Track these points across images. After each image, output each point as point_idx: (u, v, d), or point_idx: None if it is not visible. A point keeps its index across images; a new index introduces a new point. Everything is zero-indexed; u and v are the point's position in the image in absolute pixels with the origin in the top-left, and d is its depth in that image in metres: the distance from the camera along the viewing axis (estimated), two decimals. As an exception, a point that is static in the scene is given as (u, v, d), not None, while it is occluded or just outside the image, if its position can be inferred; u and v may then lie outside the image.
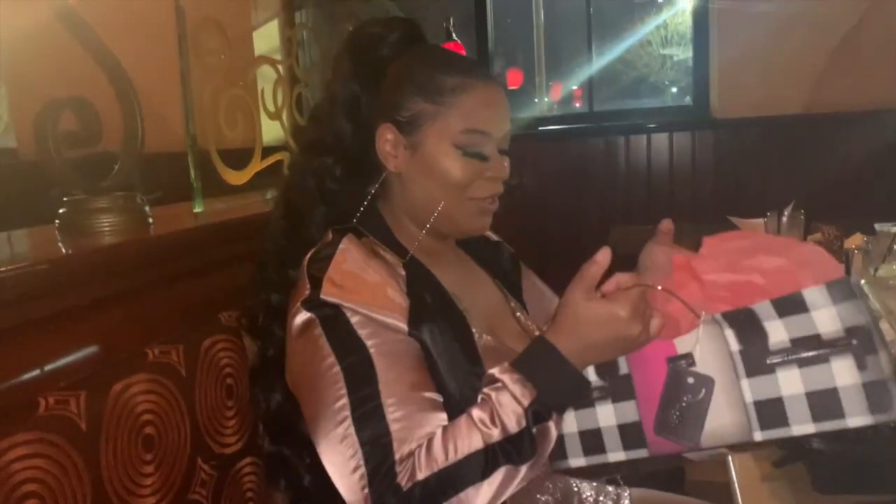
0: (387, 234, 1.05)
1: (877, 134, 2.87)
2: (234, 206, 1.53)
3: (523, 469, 0.86)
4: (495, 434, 0.85)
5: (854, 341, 0.77)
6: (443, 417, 0.90)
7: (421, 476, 0.84)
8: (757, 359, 0.82)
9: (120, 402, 0.82)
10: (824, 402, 0.79)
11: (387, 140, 1.02)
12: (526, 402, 0.85)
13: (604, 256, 0.87)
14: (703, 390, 0.84)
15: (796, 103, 3.01)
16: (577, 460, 0.94)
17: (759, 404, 0.82)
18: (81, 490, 0.75)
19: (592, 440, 0.92)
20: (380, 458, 0.85)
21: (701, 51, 3.26)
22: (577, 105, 4.04)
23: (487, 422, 0.85)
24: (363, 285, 0.94)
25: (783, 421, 0.81)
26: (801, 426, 0.81)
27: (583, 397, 0.91)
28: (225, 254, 1.19)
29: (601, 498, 1.29)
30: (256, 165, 1.62)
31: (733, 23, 3.11)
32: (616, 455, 0.91)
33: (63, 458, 0.74)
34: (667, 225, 0.92)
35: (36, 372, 0.79)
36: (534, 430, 0.85)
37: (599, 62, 3.56)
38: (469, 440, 0.85)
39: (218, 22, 1.51)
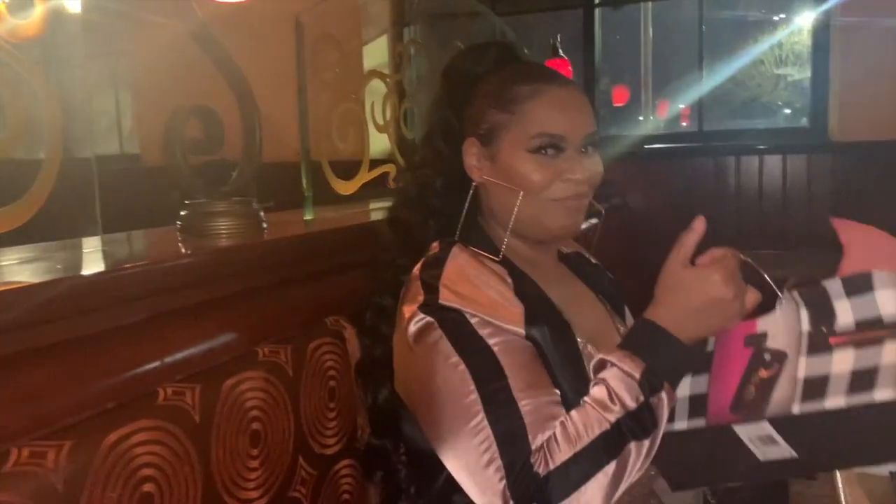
0: (489, 245, 1.06)
1: None
2: (342, 216, 1.58)
3: (646, 443, 0.87)
4: (616, 412, 0.87)
5: None
6: (563, 412, 0.91)
7: (554, 465, 0.86)
8: (822, 340, 0.84)
9: (231, 396, 0.86)
10: (862, 379, 0.80)
11: (471, 154, 1.07)
12: (637, 375, 0.87)
13: (699, 224, 0.93)
14: (777, 365, 0.86)
15: (925, 126, 2.83)
16: None
17: (808, 380, 0.84)
18: (193, 478, 0.79)
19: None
20: (516, 449, 0.87)
21: (820, 70, 3.12)
22: (685, 124, 3.94)
23: (607, 402, 0.88)
24: (478, 292, 0.96)
25: (821, 395, 0.83)
26: (834, 399, 0.83)
27: (689, 365, 0.93)
28: (332, 261, 1.23)
29: (700, 528, 1.24)
30: (364, 177, 1.67)
31: (856, 40, 2.96)
32: (680, 424, 0.93)
33: (178, 446, 0.78)
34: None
35: (157, 363, 0.83)
36: (651, 400, 0.87)
37: (710, 81, 3.46)
38: (594, 423, 0.87)
39: (334, 38, 1.57)
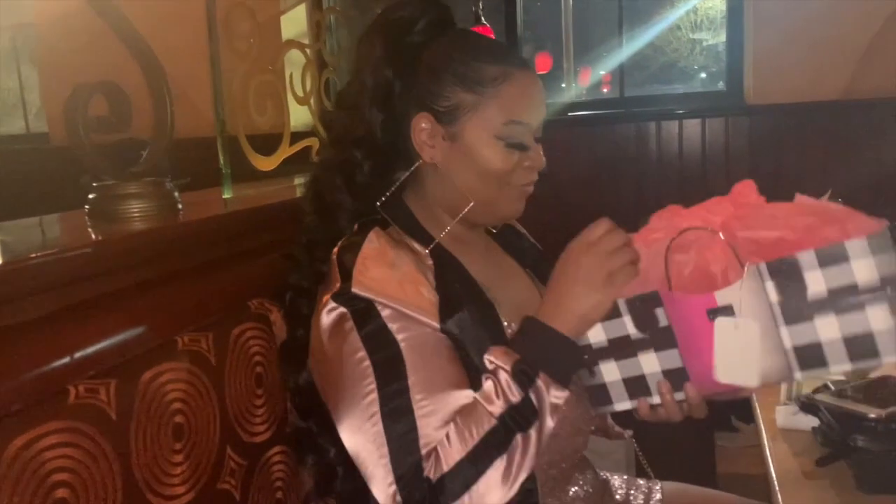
0: (413, 224, 1.03)
1: (919, 121, 2.78)
2: (264, 192, 1.52)
3: (532, 434, 0.88)
4: (500, 406, 0.87)
5: (889, 290, 0.79)
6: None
7: (447, 467, 0.86)
8: (795, 309, 0.83)
9: (150, 390, 0.82)
10: (861, 345, 0.81)
11: (423, 129, 1.01)
12: (509, 368, 0.88)
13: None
14: (750, 334, 0.86)
15: (835, 89, 2.93)
16: (622, 404, 0.96)
17: (798, 349, 0.84)
18: (111, 479, 0.75)
19: (637, 385, 0.94)
20: (406, 453, 0.87)
21: (735, 34, 3.18)
22: (606, 90, 3.97)
23: (493, 397, 0.88)
24: (393, 280, 0.93)
25: (822, 362, 0.83)
26: (839, 365, 0.83)
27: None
28: (254, 241, 1.18)
29: (632, 491, 1.27)
30: (285, 151, 1.61)
31: (769, 5, 3.03)
32: (655, 398, 0.94)
33: (93, 447, 0.73)
34: None
35: (66, 360, 0.77)
36: (530, 392, 0.87)
37: (630, 47, 3.49)
38: (482, 420, 0.87)
39: (247, 6, 1.50)
